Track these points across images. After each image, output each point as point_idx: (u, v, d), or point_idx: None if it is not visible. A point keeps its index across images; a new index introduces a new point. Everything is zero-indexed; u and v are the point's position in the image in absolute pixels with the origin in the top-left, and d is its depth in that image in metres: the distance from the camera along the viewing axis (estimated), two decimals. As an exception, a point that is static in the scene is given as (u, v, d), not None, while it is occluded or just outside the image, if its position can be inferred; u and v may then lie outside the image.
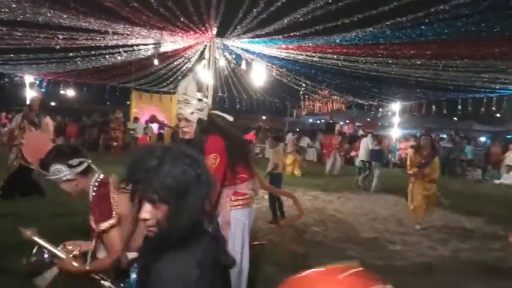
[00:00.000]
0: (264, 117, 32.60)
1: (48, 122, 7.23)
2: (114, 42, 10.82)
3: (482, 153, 18.28)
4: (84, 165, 2.22)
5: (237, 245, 2.91)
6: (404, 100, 18.04)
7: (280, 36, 9.43)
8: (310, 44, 9.91)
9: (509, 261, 5.11)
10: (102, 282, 2.08)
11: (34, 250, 2.15)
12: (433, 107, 17.33)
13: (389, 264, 4.97)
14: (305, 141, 18.28)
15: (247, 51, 12.00)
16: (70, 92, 22.85)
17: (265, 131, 17.69)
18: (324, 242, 5.79)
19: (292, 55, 11.51)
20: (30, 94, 15.25)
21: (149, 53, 12.66)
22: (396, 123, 18.49)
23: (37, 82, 18.10)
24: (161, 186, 1.16)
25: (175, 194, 1.17)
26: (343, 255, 5.22)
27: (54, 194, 6.13)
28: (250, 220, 3.13)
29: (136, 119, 17.28)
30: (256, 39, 9.98)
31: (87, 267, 2.10)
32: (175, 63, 14.39)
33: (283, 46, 10.68)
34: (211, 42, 10.57)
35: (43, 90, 17.91)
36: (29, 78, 17.11)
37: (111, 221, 2.08)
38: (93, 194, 2.22)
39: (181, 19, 8.76)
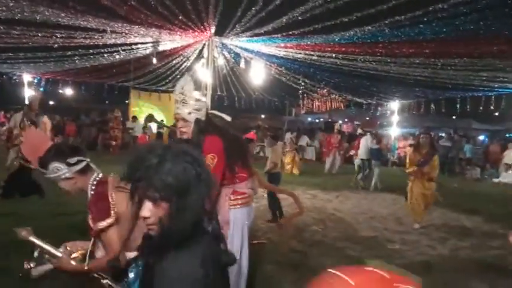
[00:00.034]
0: (263, 116, 32.61)
1: (46, 121, 7.21)
2: (113, 40, 10.79)
3: (481, 152, 18.30)
4: (83, 163, 2.22)
5: (236, 244, 2.91)
6: (403, 99, 18.06)
7: (279, 35, 9.43)
8: (308, 43, 9.90)
9: (508, 260, 5.12)
10: (102, 280, 2.08)
11: (35, 254, 2.15)
12: (432, 105, 17.37)
13: (388, 263, 4.97)
14: (304, 140, 18.28)
15: (245, 49, 11.99)
16: (68, 91, 22.82)
17: (264, 129, 17.69)
18: (323, 240, 5.79)
19: (291, 54, 11.50)
20: (28, 93, 15.22)
21: (148, 51, 12.64)
22: (395, 122, 18.49)
23: (35, 81, 18.08)
24: (162, 184, 1.16)
25: (176, 192, 1.18)
26: (342, 254, 5.23)
27: (54, 194, 6.14)
28: (250, 219, 3.13)
29: (134, 118, 17.27)
30: (255, 37, 9.97)
31: (86, 267, 2.09)
32: (174, 61, 14.38)
33: (282, 45, 10.67)
34: (210, 40, 10.55)
35: (41, 89, 17.90)
36: (27, 77, 17.07)
37: (109, 220, 2.08)
38: (92, 192, 2.22)
39: (180, 17, 8.75)
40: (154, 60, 13.10)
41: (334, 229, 6.48)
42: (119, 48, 12.02)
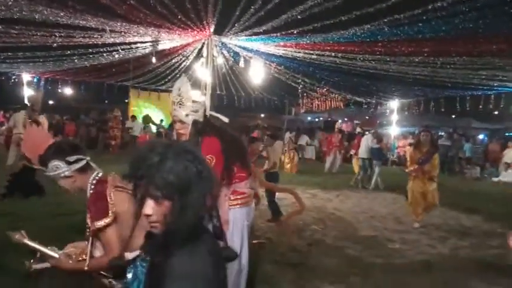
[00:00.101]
0: (262, 115, 32.59)
1: (43, 121, 7.22)
2: (112, 40, 10.78)
3: (480, 151, 18.31)
4: (83, 162, 2.22)
5: (236, 244, 2.90)
6: (403, 98, 18.07)
7: (278, 34, 9.41)
8: (308, 42, 9.89)
9: (507, 259, 5.12)
10: (104, 279, 2.08)
11: (34, 257, 2.16)
12: (432, 104, 17.36)
13: (388, 263, 4.97)
14: (304, 139, 18.27)
15: (245, 48, 11.98)
16: (68, 91, 22.79)
17: (263, 129, 17.70)
18: (323, 240, 5.78)
19: (290, 53, 11.49)
20: (27, 92, 15.21)
21: (147, 51, 12.63)
22: (394, 121, 18.50)
23: (35, 80, 18.06)
24: (163, 182, 1.17)
25: (177, 190, 1.18)
26: (342, 253, 5.23)
27: (53, 194, 6.13)
28: (250, 219, 3.13)
29: (133, 118, 17.29)
30: (254, 36, 9.95)
31: (86, 267, 2.09)
32: (173, 61, 14.36)
33: (281, 44, 10.66)
34: (209, 39, 10.54)
35: (41, 89, 17.88)
36: (26, 77, 17.06)
37: (107, 220, 2.07)
38: (91, 191, 2.21)
39: (179, 16, 8.74)
40: (154, 60, 13.11)
41: (334, 228, 6.47)
42: (118, 48, 12.00)
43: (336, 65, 12.08)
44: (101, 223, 2.07)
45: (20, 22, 8.77)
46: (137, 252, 1.45)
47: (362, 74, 13.47)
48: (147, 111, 18.53)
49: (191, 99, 2.84)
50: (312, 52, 10.89)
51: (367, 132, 12.62)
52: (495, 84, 12.81)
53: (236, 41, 10.94)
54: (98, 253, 2.21)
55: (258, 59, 12.49)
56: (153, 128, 16.76)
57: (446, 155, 15.83)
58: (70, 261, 2.16)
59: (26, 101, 11.39)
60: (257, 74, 12.32)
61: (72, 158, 2.17)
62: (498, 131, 23.08)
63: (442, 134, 19.51)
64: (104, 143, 16.05)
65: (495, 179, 14.31)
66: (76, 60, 13.53)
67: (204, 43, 11.11)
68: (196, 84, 10.75)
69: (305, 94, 20.89)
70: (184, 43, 11.93)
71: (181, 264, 1.19)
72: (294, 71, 15.11)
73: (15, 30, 9.30)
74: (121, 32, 9.96)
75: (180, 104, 2.83)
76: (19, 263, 2.20)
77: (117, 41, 11.01)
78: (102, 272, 2.10)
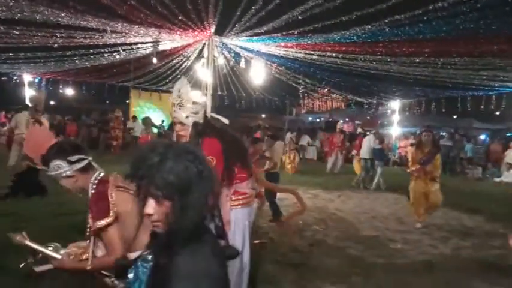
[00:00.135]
0: (263, 116, 32.62)
1: (44, 121, 7.23)
2: (113, 40, 10.78)
3: (482, 151, 18.30)
4: (84, 162, 2.22)
5: (238, 243, 2.90)
6: (404, 98, 18.05)
7: (279, 34, 9.41)
8: (309, 42, 9.89)
9: (509, 259, 5.11)
10: (106, 279, 2.08)
11: (35, 258, 2.16)
12: (433, 104, 17.34)
13: (390, 263, 4.97)
14: (305, 139, 18.26)
15: (246, 49, 11.98)
16: (69, 91, 22.80)
17: (264, 129, 17.70)
18: (324, 240, 5.78)
19: (291, 53, 11.49)
20: (29, 93, 15.21)
21: (148, 51, 12.63)
22: (396, 121, 18.49)
23: (36, 81, 18.08)
24: (164, 182, 1.17)
25: (178, 190, 1.19)
26: (344, 253, 5.23)
27: (55, 194, 6.14)
28: (251, 219, 3.13)
29: (134, 118, 17.29)
30: (255, 37, 9.95)
31: (88, 267, 2.09)
32: (174, 61, 14.36)
33: (282, 44, 10.65)
34: (210, 40, 10.53)
35: (43, 89, 17.89)
36: (27, 77, 17.08)
37: (108, 220, 2.07)
38: (92, 191, 2.21)
39: (180, 17, 8.74)
40: (155, 60, 13.09)
41: (335, 228, 6.47)
42: (119, 48, 12.00)
43: (337, 66, 12.07)
44: (102, 223, 2.07)
45: (21, 23, 8.78)
46: (139, 253, 1.44)
47: (363, 74, 13.46)
48: (148, 112, 18.53)
49: (191, 101, 2.83)
50: (312, 52, 10.88)
51: (368, 133, 12.62)
52: (496, 85, 12.80)
53: (237, 41, 10.93)
54: (100, 253, 2.21)
55: (258, 59, 12.49)
56: (154, 129, 16.74)
57: (448, 155, 15.80)
58: (71, 262, 2.16)
59: (27, 102, 11.39)
60: (258, 75, 12.31)
61: (73, 158, 2.17)
62: (500, 131, 23.07)
63: (444, 134, 19.47)
64: (105, 143, 16.06)
65: (497, 180, 14.29)
66: (77, 61, 13.55)
67: (205, 44, 11.10)
68: (197, 84, 10.76)
69: (306, 94, 20.89)
70: (185, 44, 11.93)
71: (185, 263, 1.19)
72: (295, 71, 15.11)
73: (16, 31, 9.31)
74: (122, 32, 9.96)
75: (180, 106, 2.82)
76: (20, 264, 2.20)
77: (118, 41, 11.01)
78: (103, 272, 2.10)
